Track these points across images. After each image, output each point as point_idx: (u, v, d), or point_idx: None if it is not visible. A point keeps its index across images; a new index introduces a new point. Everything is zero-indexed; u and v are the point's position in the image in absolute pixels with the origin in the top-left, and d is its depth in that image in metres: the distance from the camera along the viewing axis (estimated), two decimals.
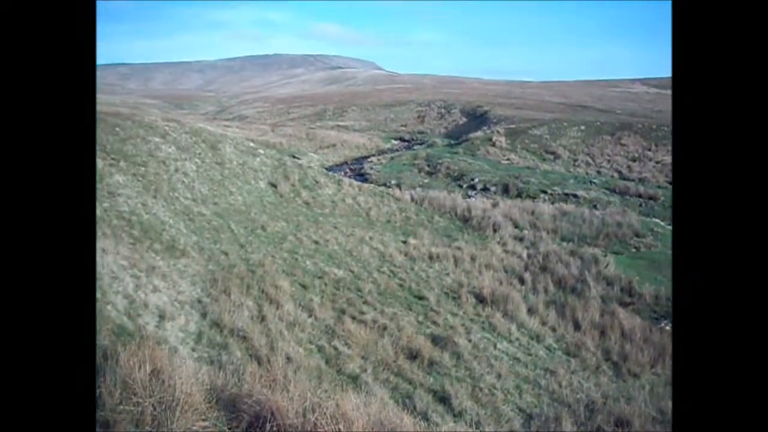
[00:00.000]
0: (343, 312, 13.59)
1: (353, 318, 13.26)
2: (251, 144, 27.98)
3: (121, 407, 4.59)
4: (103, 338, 8.38)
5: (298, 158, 33.80)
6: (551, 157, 42.22)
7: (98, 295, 10.22)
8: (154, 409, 4.60)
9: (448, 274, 17.23)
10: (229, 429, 4.69)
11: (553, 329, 14.33)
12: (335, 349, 11.77)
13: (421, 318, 14.01)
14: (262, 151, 26.75)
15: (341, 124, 66.85)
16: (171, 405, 4.65)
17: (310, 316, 12.99)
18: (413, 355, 11.87)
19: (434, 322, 13.82)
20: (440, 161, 39.39)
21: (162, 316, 10.95)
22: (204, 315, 11.86)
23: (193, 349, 10.44)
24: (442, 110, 69.42)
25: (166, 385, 4.89)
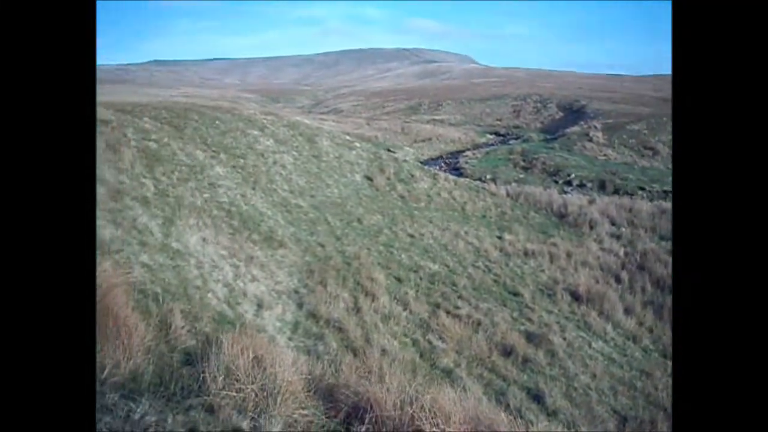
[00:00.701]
0: (437, 306, 13.55)
1: (448, 312, 13.20)
2: (347, 137, 28.22)
3: (224, 392, 4.67)
4: (204, 325, 8.62)
5: (394, 152, 33.96)
6: (650, 153, 41.03)
7: (199, 282, 10.51)
8: (256, 396, 4.66)
9: (543, 271, 16.98)
10: (327, 418, 4.72)
11: (650, 330, 13.92)
12: (429, 343, 11.75)
13: (515, 314, 13.86)
14: (358, 145, 26.94)
15: (436, 118, 66.71)
16: (273, 392, 4.70)
17: (405, 309, 13.00)
18: (507, 352, 11.74)
19: (529, 319, 13.65)
20: (536, 156, 38.91)
21: (260, 305, 11.16)
22: (300, 305, 12.03)
23: (290, 339, 10.60)
24: (538, 104, 68.51)
25: (267, 373, 4.96)
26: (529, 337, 12.59)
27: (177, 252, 11.08)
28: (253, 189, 17.50)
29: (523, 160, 38.61)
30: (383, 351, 10.51)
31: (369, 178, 23.47)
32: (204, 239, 12.40)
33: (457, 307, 13.59)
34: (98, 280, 5.74)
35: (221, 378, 4.81)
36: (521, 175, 35.09)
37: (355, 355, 9.71)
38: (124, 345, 5.25)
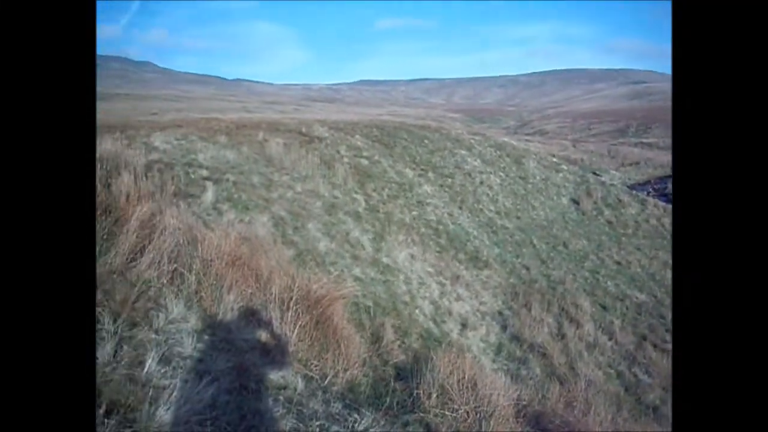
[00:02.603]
0: (644, 338, 12.92)
1: (655, 345, 12.55)
2: (554, 159, 27.72)
3: (437, 410, 4.69)
4: (413, 341, 8.75)
5: (600, 175, 32.87)
6: None
7: (407, 298, 10.72)
8: (468, 417, 4.64)
9: None
10: None
11: None
12: (635, 376, 11.23)
13: None
14: (564, 167, 26.38)
15: (644, 141, 63.85)
16: (486, 415, 4.66)
17: (610, 339, 12.53)
18: None
19: None
20: None
21: (464, 325, 11.18)
22: (504, 327, 11.91)
23: (493, 361, 10.52)
24: None
25: (480, 395, 4.92)
26: None
27: (387, 267, 11.37)
28: (460, 208, 17.61)
29: None
30: (588, 381, 10.16)
31: (575, 202, 22.88)
32: (412, 256, 12.63)
33: (665, 341, 12.84)
34: (321, 292, 6.01)
35: (435, 396, 4.83)
36: None
37: (560, 383, 9.45)
38: (342, 355, 5.43)
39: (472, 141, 25.36)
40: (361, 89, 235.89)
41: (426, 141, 22.67)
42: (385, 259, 11.67)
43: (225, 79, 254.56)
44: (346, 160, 16.72)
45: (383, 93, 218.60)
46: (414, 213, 15.45)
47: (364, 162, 17.24)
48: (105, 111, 26.10)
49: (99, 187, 6.62)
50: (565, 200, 22.71)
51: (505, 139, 31.10)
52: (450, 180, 19.73)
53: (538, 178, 23.75)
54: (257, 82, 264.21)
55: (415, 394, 4.94)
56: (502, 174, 22.57)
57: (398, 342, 7.91)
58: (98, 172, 7.02)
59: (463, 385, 4.99)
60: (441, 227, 15.48)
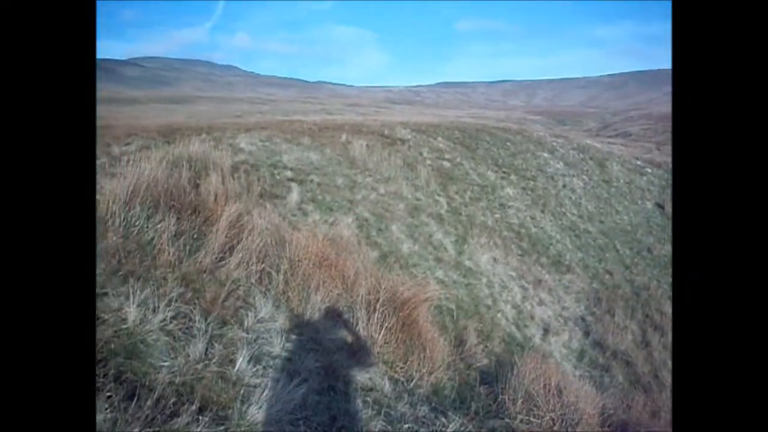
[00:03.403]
0: None
1: None
2: (638, 162, 27.07)
3: (523, 416, 4.69)
4: (495, 345, 8.73)
5: None
6: None
7: (489, 302, 10.70)
8: (554, 424, 4.62)
9: None
10: None
11: None
12: None
13: None
14: (649, 170, 25.73)
15: None
16: (572, 423, 4.64)
17: None
18: None
19: None
20: None
21: (546, 330, 11.09)
22: (587, 333, 11.76)
23: (575, 367, 10.41)
24: None
25: (565, 402, 4.89)
26: None
27: (469, 270, 11.37)
28: (542, 212, 17.42)
29: None
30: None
31: (660, 206, 22.29)
32: (494, 259, 12.59)
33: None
34: (407, 294, 6.07)
35: (520, 402, 4.83)
36: None
37: (645, 392, 9.27)
38: (427, 358, 5.48)
39: (555, 143, 25.01)
40: (441, 91, 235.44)
41: (508, 143, 22.48)
42: (467, 262, 11.68)
43: (307, 81, 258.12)
44: (428, 162, 16.75)
45: (463, 95, 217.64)
46: (496, 216, 15.37)
47: (447, 164, 17.24)
48: (189, 113, 26.81)
49: (188, 187, 6.84)
50: (649, 204, 22.16)
51: (588, 142, 30.53)
52: (532, 183, 19.53)
53: (621, 181, 23.24)
54: (338, 84, 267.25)
55: (500, 399, 4.95)
56: (585, 177, 22.18)
57: (481, 346, 7.91)
58: (187, 173, 7.25)
59: (548, 391, 4.98)
60: (523, 230, 15.36)
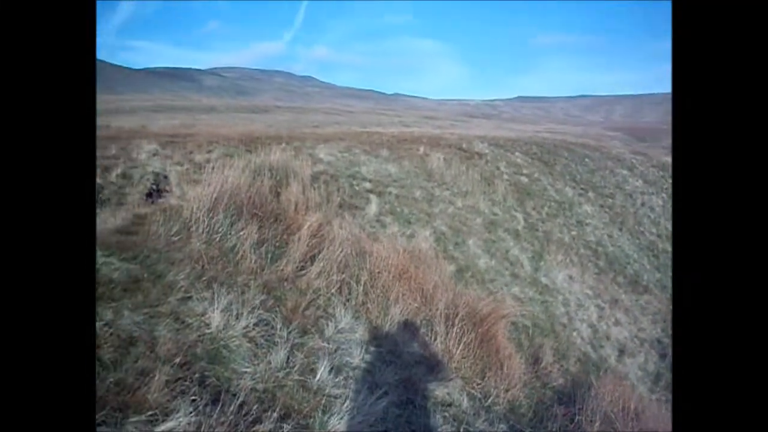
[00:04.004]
0: None
1: None
2: None
3: None
4: (571, 364, 8.66)
5: None
6: None
7: (565, 320, 10.60)
8: None
9: None
10: None
11: None
12: None
13: None
14: None
15: None
16: None
17: None
18: None
19: None
20: None
21: (622, 351, 10.93)
22: (663, 356, 11.53)
23: (651, 390, 10.22)
24: None
25: (643, 426, 4.86)
26: None
27: (545, 287, 11.30)
28: (620, 230, 17.14)
29: None
30: None
31: None
32: (570, 277, 12.47)
33: None
34: (486, 310, 6.10)
35: (597, 423, 4.81)
36: None
37: None
38: (504, 375, 5.49)
39: (634, 161, 24.59)
40: (518, 105, 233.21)
41: (586, 159, 22.20)
42: (543, 279, 11.60)
43: (383, 93, 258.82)
44: (506, 176, 16.68)
45: (540, 109, 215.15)
46: (573, 233, 15.21)
47: (524, 179, 17.13)
48: (268, 122, 27.26)
49: (270, 195, 6.99)
50: None
51: (668, 159, 29.90)
52: (610, 200, 19.23)
53: None
54: (414, 96, 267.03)
55: (577, 420, 4.93)
56: (664, 195, 21.74)
57: (557, 365, 7.86)
58: (269, 182, 7.40)
59: (626, 414, 4.95)
60: (600, 248, 15.16)
